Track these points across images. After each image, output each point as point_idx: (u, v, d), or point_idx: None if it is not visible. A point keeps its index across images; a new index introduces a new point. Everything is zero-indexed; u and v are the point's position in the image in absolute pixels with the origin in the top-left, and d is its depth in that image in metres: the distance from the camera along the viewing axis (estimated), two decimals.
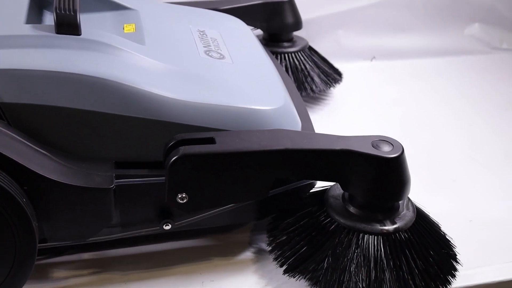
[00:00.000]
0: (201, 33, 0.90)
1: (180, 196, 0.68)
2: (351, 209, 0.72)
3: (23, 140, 0.67)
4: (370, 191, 0.70)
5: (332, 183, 0.77)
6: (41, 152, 0.68)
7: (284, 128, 0.74)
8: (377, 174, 0.69)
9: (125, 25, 0.84)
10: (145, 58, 0.75)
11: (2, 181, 0.61)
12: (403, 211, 0.73)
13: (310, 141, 0.71)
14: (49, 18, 0.83)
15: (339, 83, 1.21)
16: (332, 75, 1.20)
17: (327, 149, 0.69)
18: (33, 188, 0.65)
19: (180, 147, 0.67)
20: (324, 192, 0.76)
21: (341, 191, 0.75)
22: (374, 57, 1.42)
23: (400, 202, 0.74)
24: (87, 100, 0.69)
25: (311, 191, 0.79)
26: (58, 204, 0.67)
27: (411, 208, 0.74)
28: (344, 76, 1.24)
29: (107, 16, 0.87)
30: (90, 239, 0.72)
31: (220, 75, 0.78)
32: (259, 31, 1.20)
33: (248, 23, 1.04)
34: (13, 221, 0.63)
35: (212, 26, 0.94)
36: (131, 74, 0.71)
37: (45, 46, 0.71)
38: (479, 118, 1.17)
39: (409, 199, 0.75)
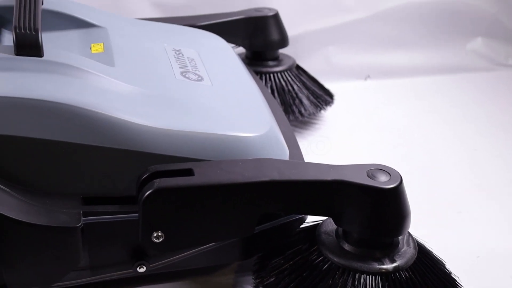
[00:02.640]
0: (177, 52, 0.90)
1: (155, 235, 0.68)
2: (346, 246, 0.72)
3: None
4: (366, 226, 0.70)
5: (324, 218, 0.77)
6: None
7: (270, 157, 0.74)
8: (374, 207, 0.69)
9: (92, 44, 0.85)
10: (115, 81, 0.75)
11: None
12: (403, 247, 0.73)
13: (299, 171, 0.71)
14: (8, 38, 0.84)
15: (330, 105, 1.22)
16: (323, 97, 1.21)
17: (318, 180, 0.69)
18: None
19: (155, 180, 0.67)
20: (315, 227, 0.76)
21: (334, 226, 0.75)
22: (368, 76, 1.43)
23: (399, 237, 0.74)
24: (49, 128, 0.69)
25: (301, 226, 0.79)
26: (18, 245, 0.67)
27: (412, 244, 0.74)
28: (336, 97, 1.25)
29: (73, 35, 0.87)
30: (56, 284, 0.72)
31: (198, 99, 0.78)
32: (241, 49, 1.21)
33: (228, 40, 1.05)
34: None
35: (189, 45, 0.94)
36: (98, 99, 0.71)
37: (3, 69, 0.71)
38: (484, 142, 1.18)
39: (409, 234, 0.75)
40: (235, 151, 0.74)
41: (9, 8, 0.85)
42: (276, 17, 1.19)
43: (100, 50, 0.83)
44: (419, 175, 1.05)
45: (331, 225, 0.76)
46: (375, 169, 0.70)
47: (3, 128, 0.68)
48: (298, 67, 1.23)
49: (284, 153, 0.80)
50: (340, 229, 0.74)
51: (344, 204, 0.70)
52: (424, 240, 0.77)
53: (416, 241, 0.75)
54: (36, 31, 0.74)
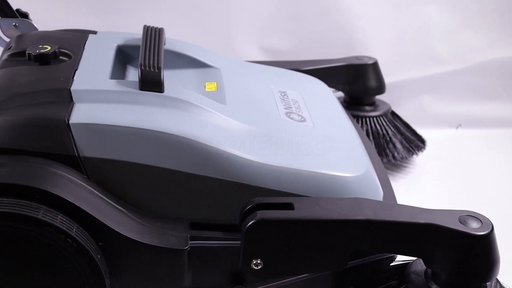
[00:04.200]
0: (282, 94, 0.92)
1: (254, 262, 0.69)
2: (434, 287, 0.71)
3: (101, 196, 0.70)
4: (456, 270, 0.69)
5: (414, 258, 0.76)
6: (118, 208, 0.70)
7: (365, 197, 0.74)
8: (464, 252, 0.68)
9: (206, 83, 0.88)
10: (226, 118, 0.78)
11: (79, 236, 0.64)
12: None
13: (393, 213, 0.70)
14: (133, 74, 0.88)
15: (422, 151, 1.21)
16: (415, 142, 1.20)
17: (411, 222, 0.69)
18: (108, 245, 0.68)
19: (258, 212, 0.68)
20: (405, 266, 0.76)
21: (424, 267, 0.74)
22: (460, 125, 1.41)
23: (487, 283, 0.72)
24: (166, 158, 0.71)
25: (391, 264, 0.79)
26: (131, 262, 0.69)
27: None
28: (428, 143, 1.23)
29: (189, 74, 0.90)
30: None
31: (301, 139, 0.80)
32: (341, 93, 1.22)
33: (329, 85, 1.06)
34: (86, 277, 0.65)
35: (293, 87, 0.96)
36: (211, 133, 0.74)
37: (128, 102, 0.74)
38: None
39: (497, 280, 0.73)
40: (333, 189, 0.74)
41: (134, 47, 0.90)
42: (375, 65, 1.20)
43: (213, 89, 0.86)
44: (510, 224, 1.02)
45: (420, 266, 0.75)
46: (467, 216, 0.69)
47: (125, 155, 0.71)
48: (393, 113, 1.22)
49: (378, 194, 0.80)
50: (429, 270, 0.73)
51: (435, 247, 0.69)
52: None
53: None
54: (159, 69, 0.77)
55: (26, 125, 0.70)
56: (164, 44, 0.85)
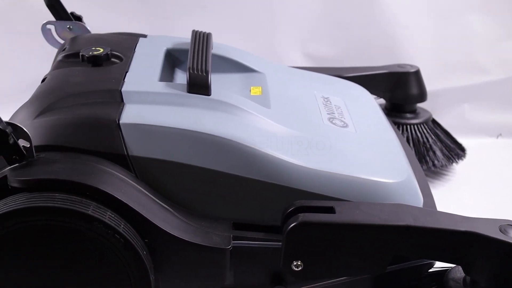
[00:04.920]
0: (325, 99, 0.91)
1: (295, 263, 0.69)
2: None
3: (148, 194, 0.71)
4: (495, 278, 0.68)
5: (453, 265, 0.75)
6: (164, 207, 0.71)
7: (406, 203, 0.73)
8: (504, 261, 0.66)
9: (252, 87, 0.88)
10: (270, 121, 0.78)
11: (126, 232, 0.65)
12: None
13: (433, 219, 0.69)
14: (180, 77, 0.88)
15: (462, 159, 1.19)
16: (455, 150, 1.19)
17: (451, 230, 0.68)
18: (153, 241, 0.68)
19: (299, 214, 0.68)
20: (444, 273, 0.75)
21: (463, 274, 0.73)
22: (500, 134, 1.39)
23: None
24: (212, 159, 0.72)
25: (430, 270, 0.78)
26: (175, 259, 0.70)
27: None
28: (468, 152, 1.21)
29: (235, 78, 0.91)
30: None
31: (343, 144, 0.79)
32: (382, 100, 1.21)
33: (371, 92, 1.05)
34: (132, 272, 0.66)
35: (336, 93, 0.96)
36: (255, 136, 0.74)
37: (176, 104, 0.75)
38: None
39: None
40: (374, 195, 0.74)
41: (183, 51, 0.90)
42: (417, 73, 1.18)
43: (258, 93, 0.86)
44: None
45: (459, 273, 0.74)
46: (507, 225, 0.68)
47: (172, 155, 0.71)
48: (434, 121, 1.21)
49: (418, 200, 0.79)
50: (468, 278, 0.72)
51: (475, 255, 0.68)
52: None
53: None
54: (207, 73, 0.78)
55: (78, 124, 0.71)
56: (212, 49, 0.86)
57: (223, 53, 0.93)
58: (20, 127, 0.67)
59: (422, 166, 1.09)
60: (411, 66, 1.20)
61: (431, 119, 1.20)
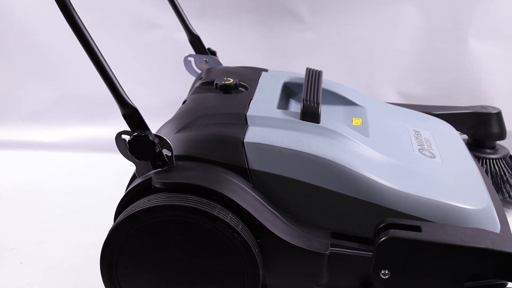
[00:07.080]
0: (416, 133, 0.90)
1: (383, 272, 0.68)
2: None
3: (262, 202, 0.71)
4: None
5: None
6: (274, 213, 0.72)
7: (485, 228, 0.71)
8: None
9: (353, 118, 0.87)
10: (368, 149, 0.77)
11: (243, 232, 0.66)
12: None
13: (509, 245, 0.66)
14: (294, 106, 0.89)
15: None
16: None
17: None
18: (264, 242, 0.69)
19: (390, 230, 0.67)
20: None
21: None
22: None
23: None
24: (317, 176, 0.72)
25: None
26: (280, 259, 0.70)
27: None
28: None
29: (340, 109, 0.91)
30: None
31: (431, 172, 0.77)
32: (465, 136, 1.17)
33: (456, 128, 1.02)
34: (245, 266, 0.67)
35: (425, 128, 0.93)
36: (356, 160, 0.73)
37: (291, 129, 0.76)
38: None
39: None
40: (457, 219, 0.71)
41: (297, 85, 0.91)
42: (498, 114, 1.13)
43: (359, 124, 0.85)
44: None
45: None
46: None
47: (284, 171, 0.72)
48: (511, 157, 1.15)
49: (496, 226, 0.75)
50: None
51: None
52: None
53: None
54: (318, 104, 0.78)
55: (210, 140, 0.73)
56: (322, 84, 0.86)
57: (331, 88, 0.93)
58: (165, 139, 0.70)
59: (498, 196, 1.05)
60: (493, 107, 1.15)
61: (509, 155, 1.14)
